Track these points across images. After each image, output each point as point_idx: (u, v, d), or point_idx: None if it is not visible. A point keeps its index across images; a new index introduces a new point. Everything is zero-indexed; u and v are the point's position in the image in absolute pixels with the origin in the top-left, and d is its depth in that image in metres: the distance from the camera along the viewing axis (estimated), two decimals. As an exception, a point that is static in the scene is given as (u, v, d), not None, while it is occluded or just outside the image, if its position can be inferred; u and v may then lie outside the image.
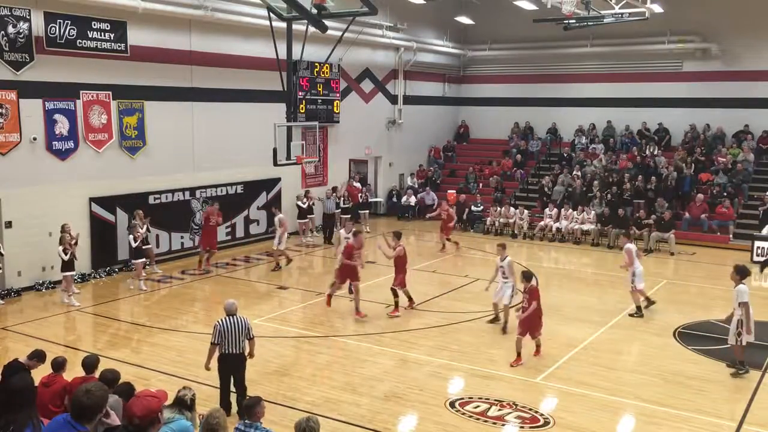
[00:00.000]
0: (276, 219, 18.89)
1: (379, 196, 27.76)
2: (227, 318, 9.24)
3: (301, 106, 22.05)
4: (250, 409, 6.81)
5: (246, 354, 9.41)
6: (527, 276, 12.11)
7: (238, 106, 20.60)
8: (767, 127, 24.82)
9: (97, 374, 7.46)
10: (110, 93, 17.46)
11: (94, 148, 17.21)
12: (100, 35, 16.91)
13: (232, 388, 9.43)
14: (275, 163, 16.86)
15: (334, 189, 23.25)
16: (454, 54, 30.14)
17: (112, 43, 17.17)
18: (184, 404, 6.48)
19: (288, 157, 17.00)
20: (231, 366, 9.30)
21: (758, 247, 20.04)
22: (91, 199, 17.21)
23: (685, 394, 10.53)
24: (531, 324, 11.68)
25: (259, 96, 20.81)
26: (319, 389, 10.53)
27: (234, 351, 9.24)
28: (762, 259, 19.36)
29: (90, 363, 7.73)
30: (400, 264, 14.47)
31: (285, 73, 17.01)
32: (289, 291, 16.64)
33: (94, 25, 16.74)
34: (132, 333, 13.40)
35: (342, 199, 23.15)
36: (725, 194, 23.02)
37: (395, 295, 14.41)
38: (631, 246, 14.80)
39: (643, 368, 11.55)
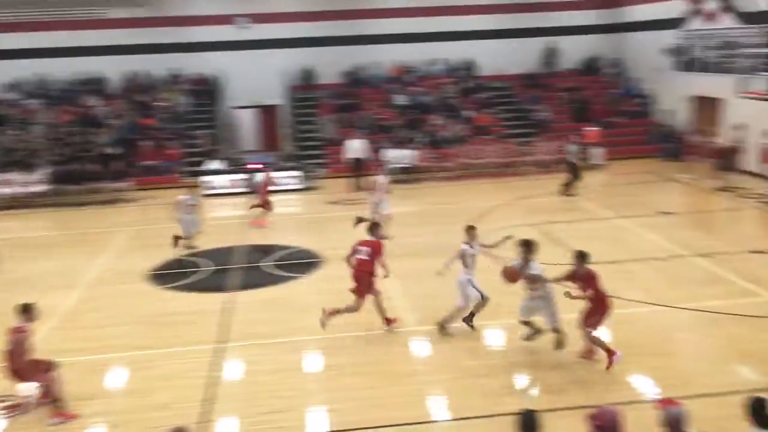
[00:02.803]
0: None
1: None
2: None
3: None
4: None
5: None
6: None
7: None
8: (200, 70, 26.67)
9: None
10: None
11: None
12: None
13: None
14: None
15: None
16: None
17: None
18: None
19: None
20: None
21: (203, 182, 21.78)
22: None
23: (168, 331, 11.14)
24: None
25: None
26: None
27: None
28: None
29: None
30: None
31: None
32: None
33: None
34: None
35: None
36: (169, 137, 24.26)
37: None
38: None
39: (127, 318, 11.71)
